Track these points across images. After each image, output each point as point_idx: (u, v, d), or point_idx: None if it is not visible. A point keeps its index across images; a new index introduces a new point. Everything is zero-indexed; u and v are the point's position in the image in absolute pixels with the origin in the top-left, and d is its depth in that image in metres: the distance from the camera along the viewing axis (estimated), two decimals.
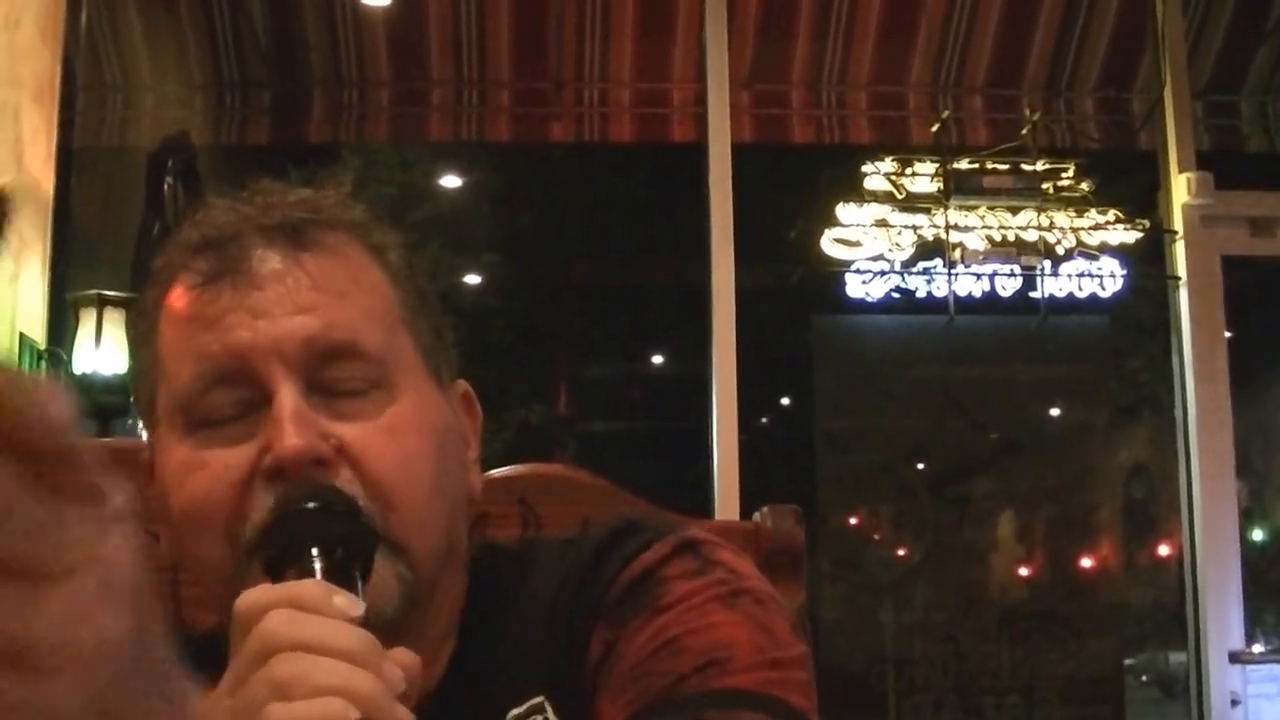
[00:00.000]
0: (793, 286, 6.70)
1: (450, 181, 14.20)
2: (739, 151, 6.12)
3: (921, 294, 6.36)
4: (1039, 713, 6.90)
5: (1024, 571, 7.28)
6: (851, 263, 6.30)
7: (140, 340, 1.45)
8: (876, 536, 7.56)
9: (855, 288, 6.31)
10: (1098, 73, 6.79)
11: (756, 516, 2.36)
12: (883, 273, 6.28)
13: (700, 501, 5.83)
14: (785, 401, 10.72)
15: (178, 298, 1.38)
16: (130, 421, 5.31)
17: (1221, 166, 6.42)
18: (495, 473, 2.37)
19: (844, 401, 7.13)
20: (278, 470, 1.29)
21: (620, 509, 1.51)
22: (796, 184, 6.74)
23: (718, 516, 5.44)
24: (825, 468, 7.16)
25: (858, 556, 7.26)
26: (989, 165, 6.37)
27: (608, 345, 14.44)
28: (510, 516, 2.29)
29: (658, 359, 14.65)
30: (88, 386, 5.04)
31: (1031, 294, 6.36)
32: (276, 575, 1.20)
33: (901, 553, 7.48)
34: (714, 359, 5.75)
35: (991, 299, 6.36)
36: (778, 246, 6.67)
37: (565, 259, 14.21)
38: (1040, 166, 6.37)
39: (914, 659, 6.90)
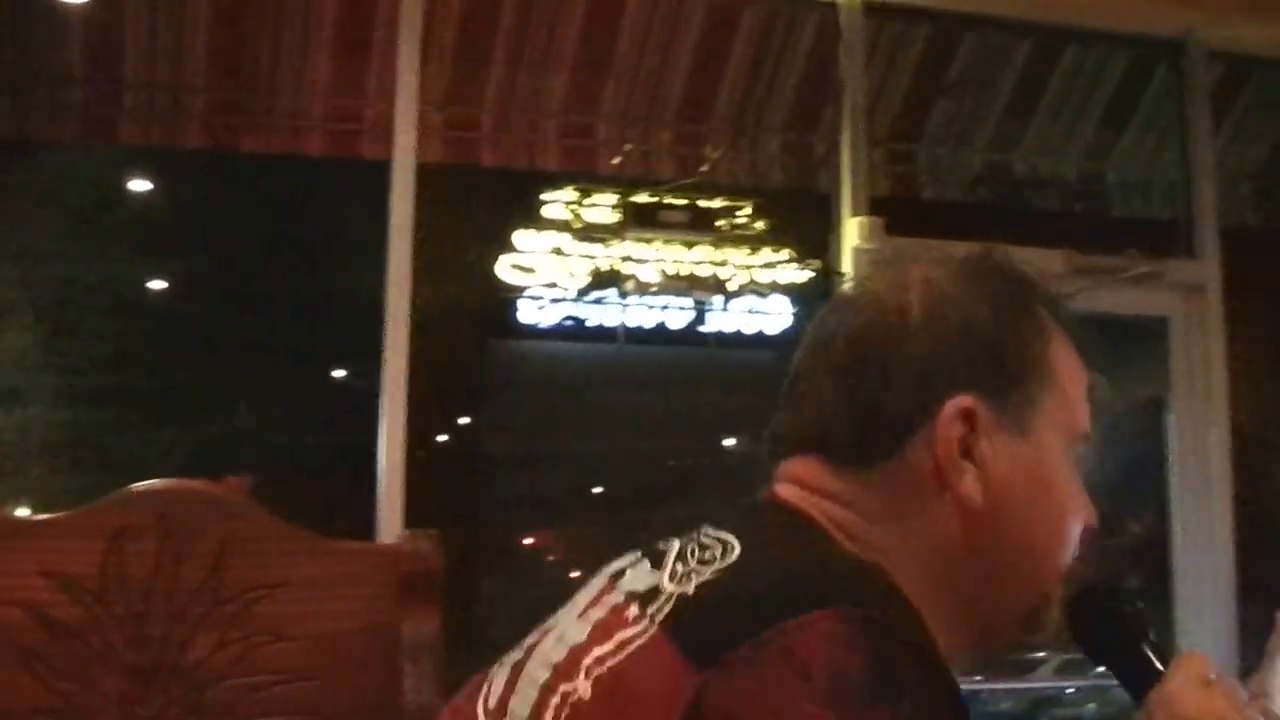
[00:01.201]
0: (469, 309, 6.76)
1: (141, 185, 14.03)
2: (429, 172, 6.14)
3: (593, 322, 6.48)
4: None
5: None
6: (526, 288, 6.39)
7: (1043, 344, 1.66)
8: (551, 559, 7.65)
9: (529, 313, 6.41)
10: (784, 115, 6.93)
11: (397, 539, 2.45)
12: (556, 300, 6.39)
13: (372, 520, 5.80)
14: (464, 421, 10.80)
15: (1086, 369, 1.71)
16: None
17: (898, 213, 6.59)
18: (137, 487, 2.40)
19: (516, 425, 7.20)
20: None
21: None
22: (482, 207, 6.80)
23: (380, 536, 5.46)
24: (498, 490, 7.22)
25: (532, 578, 7.33)
26: (668, 200, 6.50)
27: (294, 357, 14.34)
28: (149, 530, 2.33)
29: (341, 373, 14.59)
30: None
31: (701, 328, 6.51)
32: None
33: (576, 575, 7.59)
34: (385, 377, 5.77)
35: (662, 330, 6.50)
36: (458, 268, 6.72)
37: (253, 269, 14.07)
38: (717, 204, 6.52)
39: None
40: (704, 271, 6.49)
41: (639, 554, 1.56)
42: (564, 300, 6.42)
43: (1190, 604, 6.50)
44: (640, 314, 6.47)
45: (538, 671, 1.45)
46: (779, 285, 6.54)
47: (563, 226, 6.41)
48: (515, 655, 1.57)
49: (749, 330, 6.55)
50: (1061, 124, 7.27)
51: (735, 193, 6.67)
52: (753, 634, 1.27)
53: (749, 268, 6.52)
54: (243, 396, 15.25)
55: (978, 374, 1.59)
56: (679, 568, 1.45)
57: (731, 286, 6.54)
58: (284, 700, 2.27)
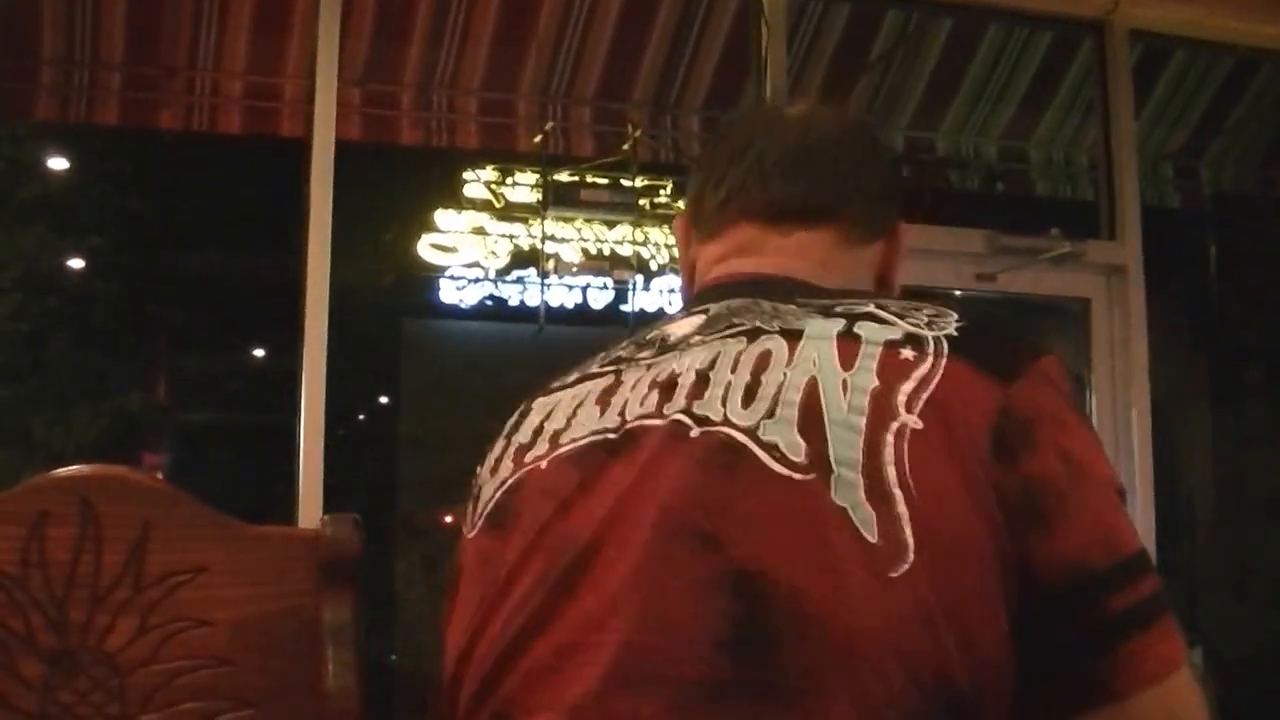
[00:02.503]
0: (386, 288, 6.72)
1: (58, 162, 13.95)
2: (347, 150, 6.06)
3: (514, 302, 6.45)
4: None
5: None
6: (447, 268, 6.35)
7: None
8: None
9: (449, 293, 6.36)
10: (704, 92, 6.91)
11: (317, 524, 2.41)
12: (477, 280, 6.35)
13: (290, 497, 5.75)
14: (384, 400, 10.75)
15: None
16: None
17: None
18: (58, 472, 2.34)
19: (431, 405, 7.15)
20: None
21: None
22: (401, 186, 6.75)
23: (300, 513, 5.43)
24: (408, 469, 7.16)
25: (441, 557, 7.29)
26: (589, 179, 6.46)
27: (209, 335, 14.29)
28: (70, 515, 2.28)
29: (259, 351, 14.58)
30: None
31: (622, 307, 6.48)
32: None
33: None
34: (304, 356, 5.70)
35: (583, 310, 6.46)
36: (377, 247, 6.68)
37: (171, 247, 14.00)
38: (638, 183, 6.48)
39: None
40: (625, 251, 6.46)
41: (841, 320, 1.68)
42: (484, 280, 6.38)
43: None
44: (561, 294, 6.43)
45: (851, 419, 1.57)
46: None
47: (484, 206, 6.37)
48: (759, 418, 1.58)
49: (671, 309, 6.52)
50: (983, 104, 7.30)
51: (656, 171, 6.64)
52: (1031, 359, 1.63)
53: (670, 247, 6.49)
54: (158, 375, 15.19)
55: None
56: (916, 321, 1.67)
57: (653, 266, 6.52)
58: (205, 686, 2.22)
